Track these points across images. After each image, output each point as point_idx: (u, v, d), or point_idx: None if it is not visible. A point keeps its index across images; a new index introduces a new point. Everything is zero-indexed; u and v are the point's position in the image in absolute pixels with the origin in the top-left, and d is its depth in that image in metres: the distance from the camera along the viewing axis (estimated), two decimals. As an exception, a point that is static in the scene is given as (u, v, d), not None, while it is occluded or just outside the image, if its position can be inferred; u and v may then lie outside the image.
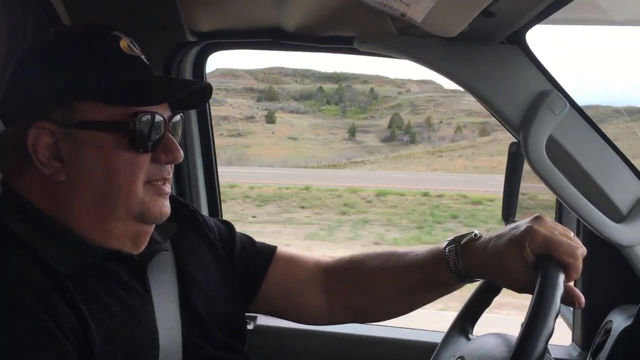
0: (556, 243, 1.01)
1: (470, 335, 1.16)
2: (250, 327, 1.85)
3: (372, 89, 50.47)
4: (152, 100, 1.05)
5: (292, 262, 1.35)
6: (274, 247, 1.36)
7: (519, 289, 1.08)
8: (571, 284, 1.05)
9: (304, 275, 1.34)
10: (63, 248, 1.01)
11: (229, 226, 1.36)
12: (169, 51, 1.75)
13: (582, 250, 1.03)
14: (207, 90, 1.15)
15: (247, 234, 1.39)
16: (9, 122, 1.07)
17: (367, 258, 1.32)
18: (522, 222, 1.08)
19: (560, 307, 0.91)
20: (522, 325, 0.92)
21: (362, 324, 1.79)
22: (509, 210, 1.54)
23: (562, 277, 0.96)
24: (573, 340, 1.63)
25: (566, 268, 1.00)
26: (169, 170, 1.10)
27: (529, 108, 1.33)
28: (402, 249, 1.31)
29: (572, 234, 1.06)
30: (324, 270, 1.35)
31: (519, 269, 1.05)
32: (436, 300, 1.28)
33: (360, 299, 1.31)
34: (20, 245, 0.98)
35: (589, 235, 1.41)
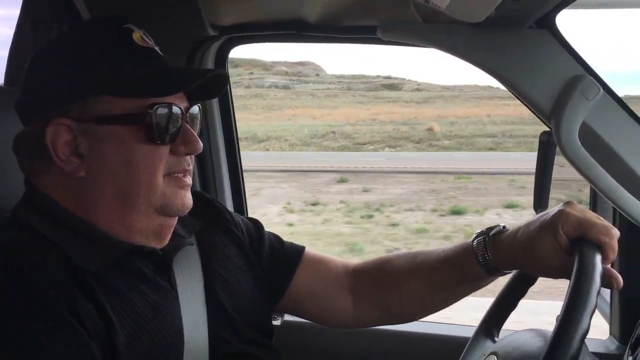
0: (590, 223, 1.00)
1: (495, 338, 1.14)
2: (277, 322, 1.84)
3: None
4: (167, 90, 1.03)
5: (321, 263, 1.33)
6: (302, 248, 1.34)
7: (555, 274, 1.05)
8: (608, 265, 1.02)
9: (332, 277, 1.32)
10: (86, 244, 1.01)
11: (257, 224, 1.35)
12: (191, 46, 1.73)
13: (616, 231, 1.01)
14: (223, 79, 1.13)
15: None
16: (27, 121, 1.07)
17: (395, 258, 1.31)
18: (551, 209, 1.06)
19: (600, 285, 0.89)
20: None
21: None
22: (540, 201, 1.49)
23: (599, 257, 0.94)
24: (611, 334, 1.59)
25: (603, 248, 0.98)
26: (189, 162, 1.09)
27: (560, 94, 1.28)
28: (430, 248, 1.28)
29: (602, 218, 1.04)
30: (351, 272, 1.33)
31: (553, 253, 1.03)
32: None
33: (388, 299, 1.29)
34: (43, 242, 0.98)
35: (626, 225, 1.37)
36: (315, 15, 1.55)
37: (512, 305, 1.15)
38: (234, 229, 1.27)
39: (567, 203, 1.05)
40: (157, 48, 1.08)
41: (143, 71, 1.03)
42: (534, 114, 1.35)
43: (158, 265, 1.08)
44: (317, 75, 33.30)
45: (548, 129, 1.36)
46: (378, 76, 32.05)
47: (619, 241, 1.43)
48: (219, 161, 1.95)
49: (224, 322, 1.13)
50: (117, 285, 1.00)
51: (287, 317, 1.85)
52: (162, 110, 1.02)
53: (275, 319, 1.84)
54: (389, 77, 31.80)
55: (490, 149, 19.62)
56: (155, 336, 1.00)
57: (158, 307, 1.03)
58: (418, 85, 30.63)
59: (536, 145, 1.37)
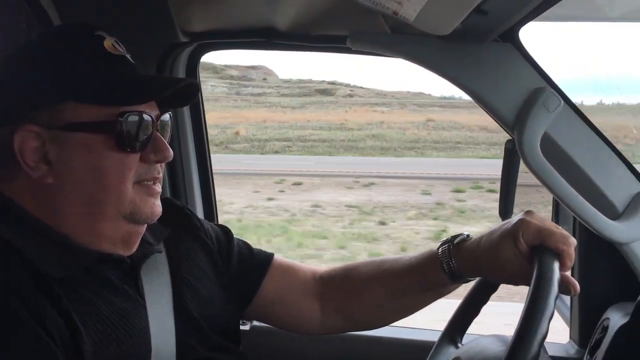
0: (549, 232, 1.03)
1: (459, 344, 1.17)
2: (246, 327, 1.85)
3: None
4: (137, 99, 1.03)
5: (289, 270, 1.34)
6: (271, 255, 1.35)
7: (514, 281, 1.09)
8: (568, 273, 1.06)
9: (300, 284, 1.33)
10: (52, 252, 1.00)
11: (226, 231, 1.35)
12: (162, 52, 1.74)
13: (573, 239, 1.05)
14: (194, 88, 1.14)
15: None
16: None
17: (361, 265, 1.33)
18: (513, 218, 1.10)
19: (558, 291, 0.92)
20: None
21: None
22: (506, 208, 1.53)
23: (557, 264, 0.98)
24: (571, 338, 1.62)
25: (560, 256, 1.01)
26: (159, 170, 1.10)
27: (523, 105, 1.32)
28: (395, 255, 1.31)
29: (560, 227, 1.08)
30: (319, 279, 1.34)
31: (514, 260, 1.06)
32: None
33: (354, 305, 1.31)
34: (9, 249, 0.97)
35: (586, 233, 1.40)
36: (286, 23, 1.57)
37: (475, 312, 1.19)
38: (203, 236, 1.28)
39: (528, 212, 1.09)
40: (128, 55, 1.08)
41: (114, 79, 1.03)
42: (499, 124, 1.39)
43: (126, 273, 1.08)
44: (264, 79, 33.36)
45: (511, 138, 1.40)
46: (323, 81, 32.31)
47: (579, 249, 1.48)
48: (190, 168, 1.95)
49: (191, 330, 1.13)
50: (84, 293, 0.99)
51: (256, 322, 1.86)
52: (132, 119, 1.02)
53: (244, 323, 1.84)
54: (333, 83, 32.06)
55: (276, 152, 20.21)
56: (123, 344, 1.00)
57: (125, 315, 1.02)
58: (351, 90, 30.96)
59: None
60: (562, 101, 1.31)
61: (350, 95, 30.26)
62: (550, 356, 1.34)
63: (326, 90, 30.83)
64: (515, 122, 1.32)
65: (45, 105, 1.00)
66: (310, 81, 32.23)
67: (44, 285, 0.95)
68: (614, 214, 1.32)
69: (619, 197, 1.33)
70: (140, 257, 1.11)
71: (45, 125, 1.00)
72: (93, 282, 1.02)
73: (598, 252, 1.43)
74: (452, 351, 1.16)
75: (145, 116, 1.04)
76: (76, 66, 1.02)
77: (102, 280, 1.04)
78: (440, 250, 1.18)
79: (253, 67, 33.86)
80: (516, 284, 1.09)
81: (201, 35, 1.73)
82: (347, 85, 31.80)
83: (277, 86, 31.98)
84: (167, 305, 1.12)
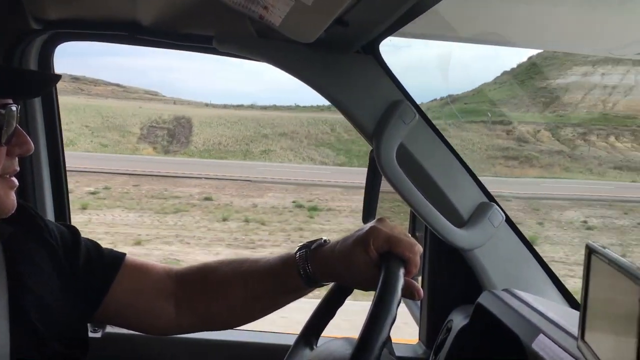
0: (397, 240, 1.07)
1: (314, 346, 1.19)
2: (98, 335, 1.76)
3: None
4: (24, 93, 1.03)
5: (141, 270, 1.29)
6: (123, 254, 1.29)
7: (365, 286, 1.12)
8: (418, 280, 1.10)
9: (153, 284, 1.28)
10: None
11: (73, 231, 1.27)
12: (10, 39, 1.60)
13: (419, 247, 1.09)
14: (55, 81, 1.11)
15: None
16: None
17: (220, 265, 1.30)
18: (365, 225, 1.13)
19: (401, 296, 0.96)
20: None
21: (217, 329, 1.76)
22: (369, 214, 1.59)
23: (402, 271, 1.02)
24: (420, 339, 1.71)
25: (406, 263, 1.05)
26: (17, 163, 1.06)
27: (381, 117, 1.38)
28: (256, 256, 1.30)
29: (409, 235, 1.13)
30: (174, 278, 1.30)
31: (364, 266, 1.09)
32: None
33: (210, 306, 1.28)
34: None
35: (435, 239, 1.49)
36: (149, 19, 1.51)
37: (330, 315, 1.21)
38: (47, 236, 1.19)
39: (379, 220, 1.12)
40: None
41: None
42: (360, 133, 1.43)
43: None
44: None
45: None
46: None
47: (429, 254, 1.57)
48: (40, 163, 1.81)
49: (29, 337, 1.05)
50: None
51: (109, 329, 1.78)
52: (5, 112, 0.98)
53: (95, 331, 1.75)
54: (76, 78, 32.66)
55: None
56: None
57: None
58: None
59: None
60: (417, 114, 1.38)
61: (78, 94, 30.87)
62: (400, 357, 1.40)
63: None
64: (374, 132, 1.37)
65: None
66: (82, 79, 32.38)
67: None
68: (460, 222, 1.41)
69: (464, 206, 1.42)
70: None
71: None
72: None
73: (445, 257, 1.52)
74: (307, 353, 1.17)
75: (13, 107, 1.00)
76: None
77: None
78: (297, 255, 1.19)
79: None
80: (366, 289, 1.12)
81: (56, 24, 1.61)
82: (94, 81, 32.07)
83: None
84: (2, 311, 1.03)
